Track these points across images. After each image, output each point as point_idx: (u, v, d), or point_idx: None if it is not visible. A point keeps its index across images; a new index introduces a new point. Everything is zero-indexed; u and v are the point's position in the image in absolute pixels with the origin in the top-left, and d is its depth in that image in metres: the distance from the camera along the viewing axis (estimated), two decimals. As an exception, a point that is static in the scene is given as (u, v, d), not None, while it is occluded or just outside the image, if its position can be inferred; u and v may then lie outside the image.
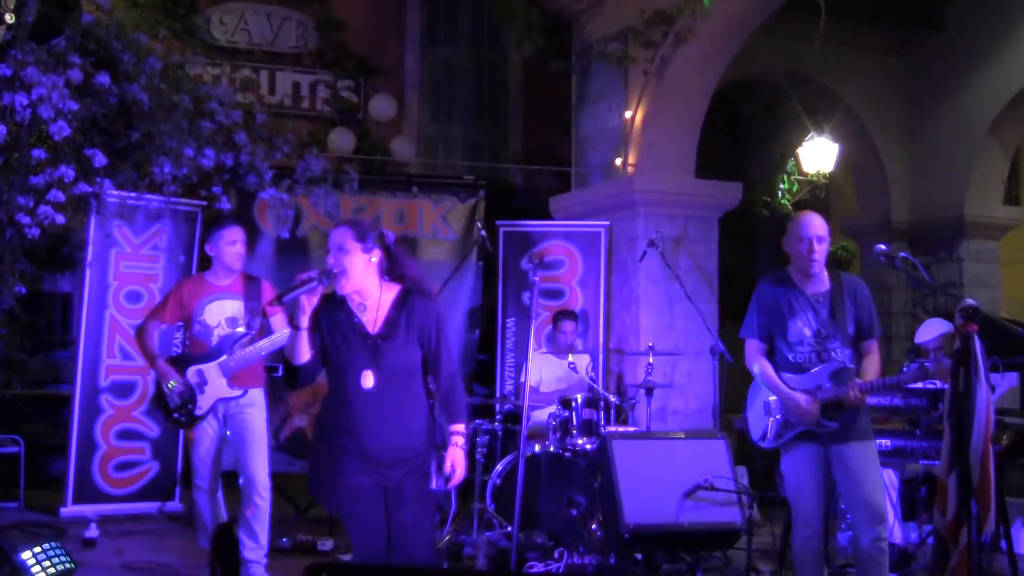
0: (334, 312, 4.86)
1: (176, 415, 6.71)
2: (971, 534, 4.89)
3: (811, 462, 5.92)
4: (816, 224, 5.90)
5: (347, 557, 6.98)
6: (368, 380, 4.77)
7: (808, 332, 5.90)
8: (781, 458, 6.10)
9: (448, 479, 4.89)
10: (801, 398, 5.82)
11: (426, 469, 4.89)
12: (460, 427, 4.93)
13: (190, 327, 6.83)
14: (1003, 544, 7.29)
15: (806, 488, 5.94)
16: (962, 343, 5.07)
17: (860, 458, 5.87)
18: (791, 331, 5.92)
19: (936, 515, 5.19)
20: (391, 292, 4.92)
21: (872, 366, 5.96)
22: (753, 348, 6.08)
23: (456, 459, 4.87)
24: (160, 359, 6.78)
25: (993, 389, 5.99)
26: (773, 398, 6.00)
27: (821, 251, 5.90)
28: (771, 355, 6.05)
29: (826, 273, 6.03)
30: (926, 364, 7.20)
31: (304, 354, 4.74)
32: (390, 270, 4.94)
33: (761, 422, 6.11)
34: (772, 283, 6.11)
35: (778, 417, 5.97)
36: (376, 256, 4.86)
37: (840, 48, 11.92)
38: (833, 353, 5.89)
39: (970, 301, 5.05)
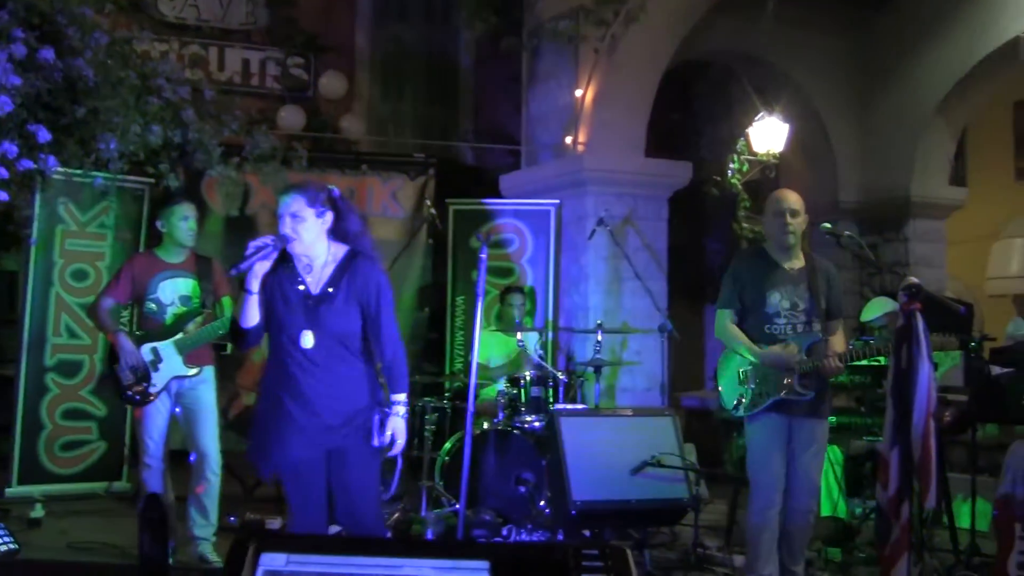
0: (279, 272, 4.89)
1: (129, 392, 6.65)
2: (912, 509, 4.94)
3: (779, 433, 6.07)
4: (790, 198, 6.12)
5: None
6: (308, 340, 4.82)
7: (786, 304, 6.07)
8: (748, 427, 6.21)
9: (390, 444, 4.93)
10: (776, 348, 5.99)
11: (368, 428, 4.92)
12: (402, 396, 4.97)
13: (141, 304, 6.77)
14: (945, 520, 7.39)
15: (773, 458, 6.07)
16: (905, 321, 5.11)
17: (819, 437, 6.14)
18: (768, 302, 6.07)
19: (879, 490, 5.24)
20: (338, 253, 4.97)
21: (839, 342, 6.17)
22: (725, 318, 6.21)
23: (397, 428, 4.92)
24: (122, 334, 6.71)
25: (936, 367, 6.07)
26: (746, 368, 6.12)
27: (795, 224, 6.08)
28: (744, 329, 6.17)
29: (802, 252, 6.21)
30: (872, 343, 7.32)
31: (253, 317, 4.81)
32: (336, 228, 4.98)
33: (735, 391, 6.20)
34: (750, 256, 6.39)
35: (752, 387, 6.08)
36: (328, 219, 4.91)
37: (790, 29, 11.95)
38: (808, 326, 6.07)
39: (913, 279, 5.10)
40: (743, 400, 6.10)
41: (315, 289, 4.89)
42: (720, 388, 6.38)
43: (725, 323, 6.20)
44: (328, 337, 4.85)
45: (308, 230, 4.83)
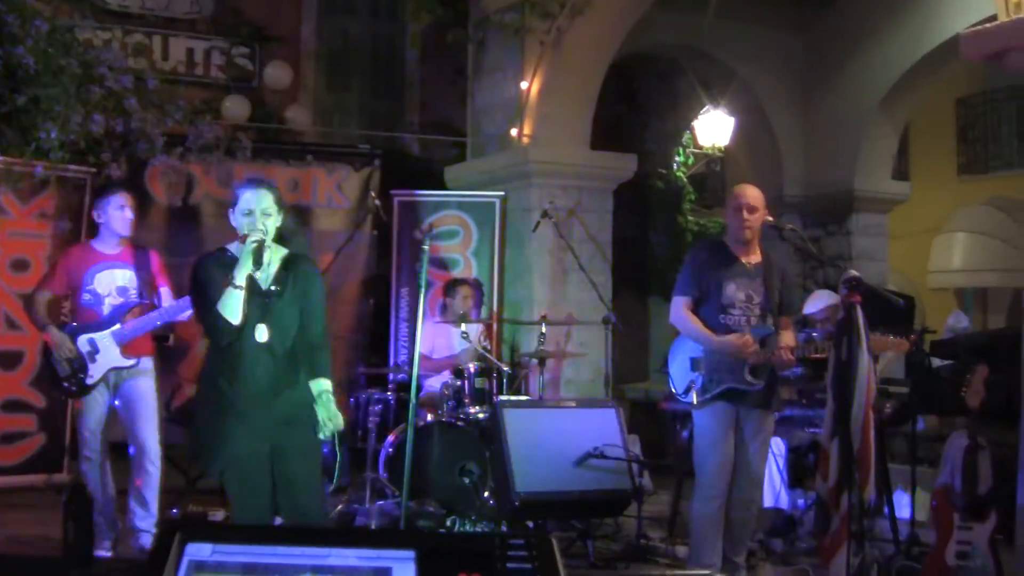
0: (229, 267, 4.96)
1: (66, 384, 6.60)
2: (852, 499, 4.99)
3: (727, 422, 6.16)
4: (749, 194, 6.24)
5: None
6: (263, 334, 4.98)
7: (742, 296, 6.16)
8: (696, 416, 6.28)
9: (335, 432, 5.09)
10: (732, 336, 6.06)
11: (314, 421, 5.07)
12: (327, 381, 5.16)
13: (77, 296, 6.70)
14: (885, 510, 7.48)
15: (720, 447, 6.15)
16: (845, 313, 5.17)
17: (767, 429, 6.31)
18: (725, 293, 6.16)
19: (819, 481, 5.30)
20: (279, 253, 5.17)
21: (790, 338, 6.24)
22: (681, 304, 6.27)
23: (330, 409, 5.10)
24: (51, 327, 6.65)
25: (877, 359, 6.15)
26: (698, 356, 6.19)
27: (752, 219, 6.18)
28: (698, 318, 6.24)
29: (759, 248, 6.31)
30: (814, 335, 7.40)
31: (240, 313, 4.90)
32: (280, 235, 5.18)
33: (686, 377, 6.27)
34: (708, 247, 6.51)
35: (703, 374, 6.16)
36: (280, 220, 5.12)
37: (736, 24, 12.01)
38: (762, 320, 6.19)
39: (853, 273, 5.17)
40: (694, 386, 6.16)
41: (264, 285, 5.05)
42: (671, 374, 6.44)
43: (681, 310, 6.26)
44: (279, 330, 5.03)
45: (273, 227, 5.04)
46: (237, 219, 5.04)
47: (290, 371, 5.08)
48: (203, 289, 5.01)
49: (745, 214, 6.14)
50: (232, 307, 4.89)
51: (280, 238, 5.18)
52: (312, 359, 5.17)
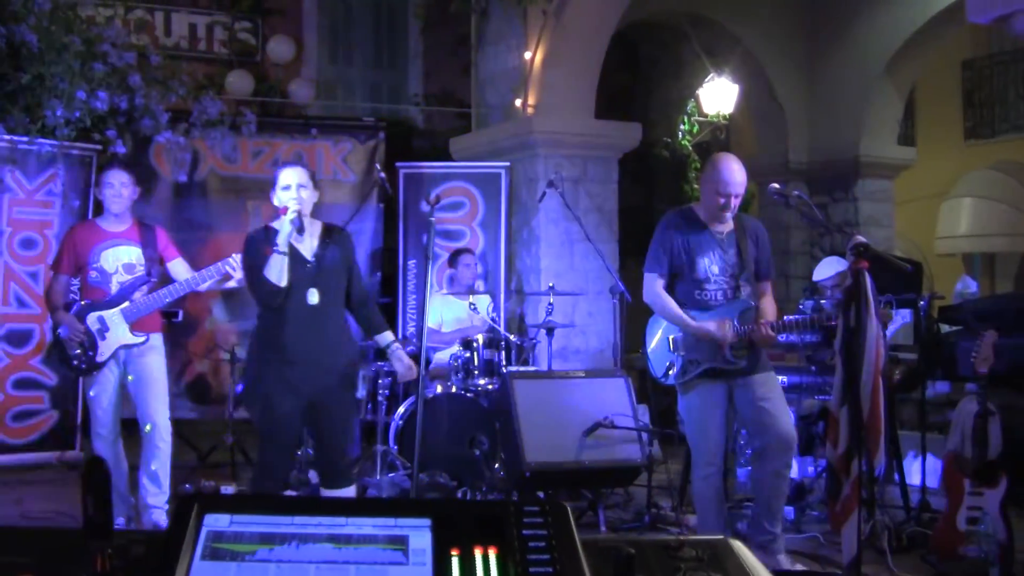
0: (272, 239, 5.49)
1: (75, 362, 6.62)
2: (861, 466, 4.99)
3: (715, 399, 5.96)
4: (737, 180, 5.87)
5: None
6: (314, 297, 5.53)
7: (716, 269, 5.93)
8: (681, 396, 6.11)
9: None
10: (711, 324, 5.85)
11: (355, 379, 5.91)
12: (390, 333, 6.03)
13: (84, 273, 6.71)
14: (895, 476, 7.49)
15: (710, 425, 5.98)
16: (853, 280, 5.15)
17: (767, 385, 5.97)
18: (698, 267, 5.92)
19: (829, 448, 5.28)
20: (317, 226, 5.74)
21: (770, 306, 6.05)
22: (654, 283, 6.02)
23: (404, 360, 5.89)
24: (57, 310, 6.67)
25: (885, 325, 6.13)
26: (676, 335, 6.01)
27: (735, 203, 5.92)
28: (672, 294, 6.01)
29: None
30: (823, 303, 7.37)
31: (286, 276, 5.44)
32: (316, 209, 5.76)
33: (664, 358, 6.10)
34: (677, 219, 6.09)
35: (683, 354, 5.98)
36: (316, 196, 5.69)
37: (739, -11, 12.01)
38: (739, 292, 5.95)
39: (860, 238, 5.11)
40: (673, 368, 6.06)
41: (310, 254, 5.62)
42: (648, 355, 6.32)
43: (655, 288, 6.01)
44: (327, 293, 5.59)
45: (308, 201, 5.58)
46: (278, 195, 5.57)
47: (339, 332, 5.70)
48: (251, 260, 5.58)
49: (732, 200, 5.87)
50: (276, 270, 5.41)
51: (315, 212, 5.71)
52: (368, 316, 5.96)
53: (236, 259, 6.17)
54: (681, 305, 5.98)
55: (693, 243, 5.96)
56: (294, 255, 5.52)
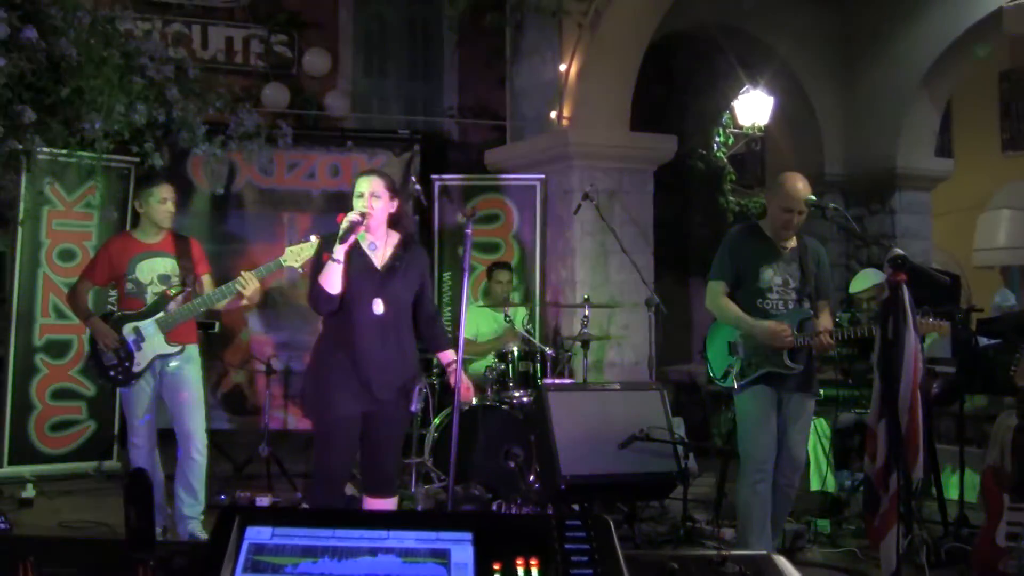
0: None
1: (112, 372, 6.65)
2: (900, 480, 4.96)
3: (769, 404, 6.11)
4: (802, 195, 6.09)
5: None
6: (379, 307, 5.50)
7: (779, 280, 6.13)
8: (738, 400, 6.22)
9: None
10: (770, 323, 6.01)
11: (411, 394, 5.83)
12: (453, 352, 5.85)
13: (121, 285, 6.75)
14: (934, 491, 7.43)
15: (763, 430, 6.11)
16: (891, 292, 5.12)
17: (807, 412, 6.25)
18: (762, 278, 6.12)
19: (866, 462, 5.26)
20: (394, 237, 5.69)
21: (827, 322, 6.21)
22: (718, 289, 6.24)
23: (464, 379, 5.75)
24: (94, 317, 6.72)
25: (923, 338, 6.09)
26: (737, 339, 6.15)
27: (800, 220, 6.13)
28: (735, 303, 6.20)
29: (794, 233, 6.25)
30: (858, 315, 7.34)
31: (339, 284, 5.44)
32: (394, 220, 5.68)
33: (724, 361, 6.23)
34: (745, 232, 6.37)
35: (742, 357, 6.12)
36: (394, 206, 5.63)
37: (774, 0, 11.95)
38: (799, 304, 6.14)
39: (898, 251, 5.10)
40: (732, 370, 6.12)
41: (381, 264, 5.60)
42: (708, 358, 6.42)
43: (718, 294, 6.23)
44: (393, 305, 5.56)
45: (382, 211, 5.54)
46: (354, 202, 5.54)
47: (401, 343, 5.62)
48: (313, 265, 5.58)
49: (796, 217, 6.09)
50: (330, 278, 5.41)
51: (395, 223, 5.66)
52: (434, 333, 5.89)
53: (246, 276, 6.21)
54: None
55: (758, 255, 6.18)
56: (365, 264, 5.53)
